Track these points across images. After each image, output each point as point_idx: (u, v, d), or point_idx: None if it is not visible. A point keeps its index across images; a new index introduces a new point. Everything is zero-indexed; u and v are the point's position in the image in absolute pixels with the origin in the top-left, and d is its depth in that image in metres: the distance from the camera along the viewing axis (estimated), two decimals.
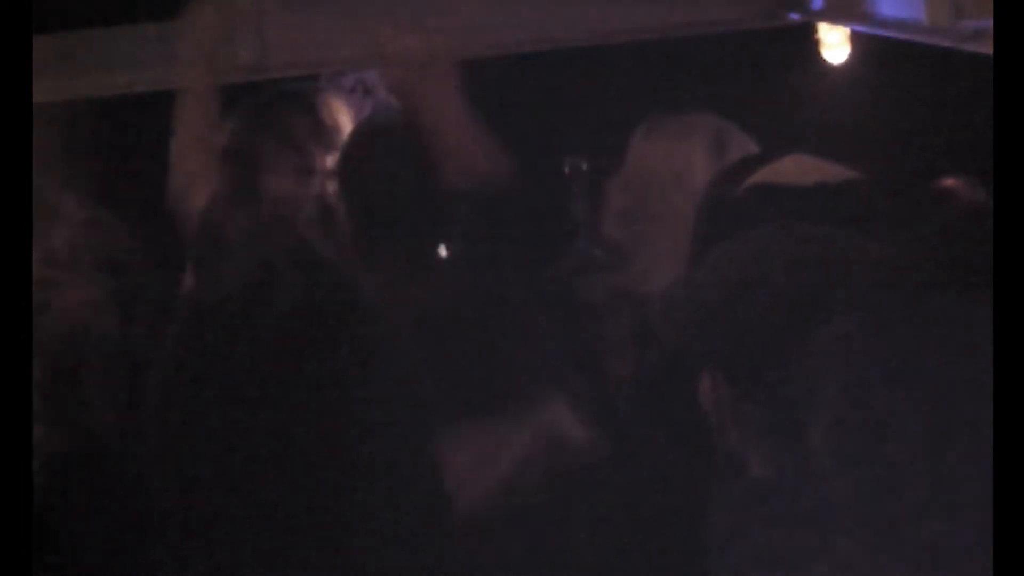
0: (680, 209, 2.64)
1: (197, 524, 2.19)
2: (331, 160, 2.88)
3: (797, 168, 2.06)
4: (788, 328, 1.75)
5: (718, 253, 1.81)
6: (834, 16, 3.13)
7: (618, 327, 2.72)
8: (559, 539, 2.49)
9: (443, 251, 2.69)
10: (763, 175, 2.07)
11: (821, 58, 5.47)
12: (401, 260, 2.59)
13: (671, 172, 2.69)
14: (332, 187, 2.82)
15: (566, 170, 4.19)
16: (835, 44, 5.33)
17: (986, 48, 2.34)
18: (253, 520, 1.95)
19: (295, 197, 2.86)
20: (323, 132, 2.93)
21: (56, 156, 2.58)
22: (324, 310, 2.00)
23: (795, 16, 3.07)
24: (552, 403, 2.49)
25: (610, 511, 2.53)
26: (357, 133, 2.82)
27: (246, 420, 2.06)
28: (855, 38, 5.20)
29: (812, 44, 5.13)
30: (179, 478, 2.28)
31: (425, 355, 2.41)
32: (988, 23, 2.32)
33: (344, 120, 3.01)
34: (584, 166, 4.02)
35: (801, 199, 1.98)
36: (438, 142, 2.66)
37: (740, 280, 1.76)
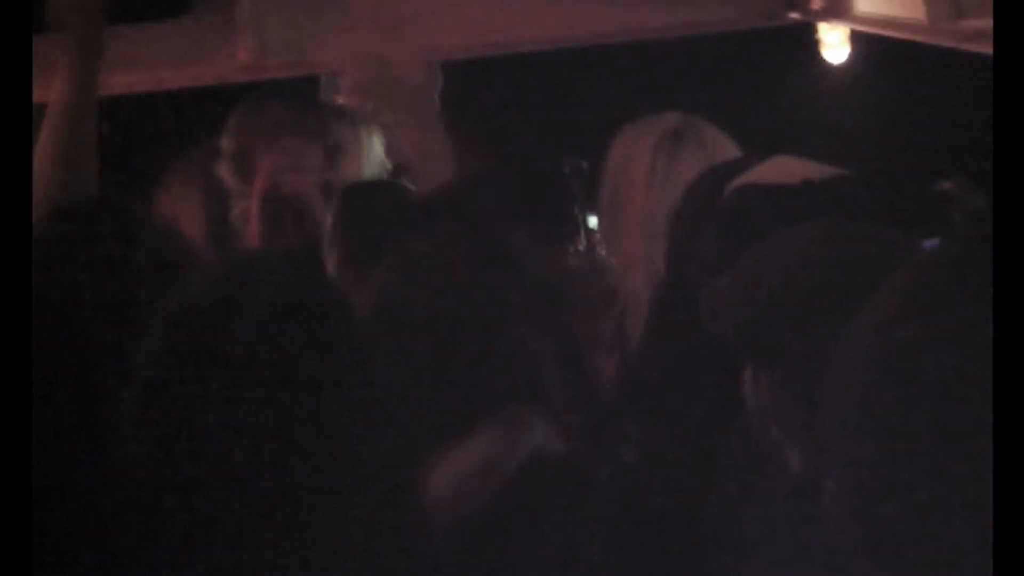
0: (633, 208, 2.68)
1: (196, 524, 2.19)
2: (327, 159, 2.87)
3: (781, 169, 2.07)
4: (792, 327, 1.75)
5: (753, 252, 1.82)
6: (834, 16, 3.13)
7: (608, 326, 2.74)
8: (558, 540, 2.49)
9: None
10: (748, 177, 2.08)
11: (821, 58, 5.47)
12: (397, 260, 2.59)
13: (622, 171, 2.74)
14: (328, 188, 2.82)
15: (566, 170, 4.20)
16: (835, 44, 5.33)
17: (986, 48, 2.34)
18: (251, 520, 1.94)
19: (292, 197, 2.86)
20: (316, 132, 2.93)
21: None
22: (322, 311, 2.00)
23: (795, 16, 3.08)
24: (541, 411, 2.50)
25: (610, 512, 2.53)
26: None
27: (244, 420, 2.06)
28: (855, 38, 5.20)
29: (812, 44, 5.14)
30: (178, 478, 2.28)
31: (424, 356, 2.40)
32: (988, 23, 2.32)
33: (337, 121, 3.00)
34: (584, 166, 4.04)
35: (789, 199, 1.99)
36: (401, 144, 2.69)
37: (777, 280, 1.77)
